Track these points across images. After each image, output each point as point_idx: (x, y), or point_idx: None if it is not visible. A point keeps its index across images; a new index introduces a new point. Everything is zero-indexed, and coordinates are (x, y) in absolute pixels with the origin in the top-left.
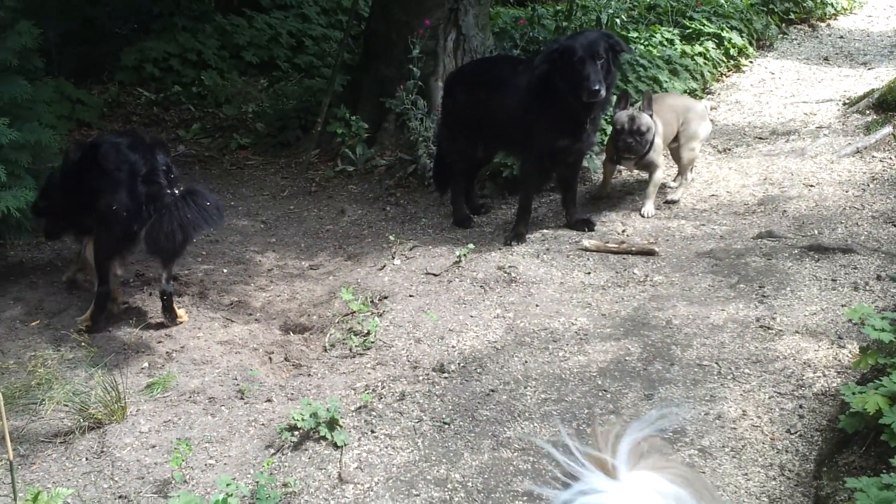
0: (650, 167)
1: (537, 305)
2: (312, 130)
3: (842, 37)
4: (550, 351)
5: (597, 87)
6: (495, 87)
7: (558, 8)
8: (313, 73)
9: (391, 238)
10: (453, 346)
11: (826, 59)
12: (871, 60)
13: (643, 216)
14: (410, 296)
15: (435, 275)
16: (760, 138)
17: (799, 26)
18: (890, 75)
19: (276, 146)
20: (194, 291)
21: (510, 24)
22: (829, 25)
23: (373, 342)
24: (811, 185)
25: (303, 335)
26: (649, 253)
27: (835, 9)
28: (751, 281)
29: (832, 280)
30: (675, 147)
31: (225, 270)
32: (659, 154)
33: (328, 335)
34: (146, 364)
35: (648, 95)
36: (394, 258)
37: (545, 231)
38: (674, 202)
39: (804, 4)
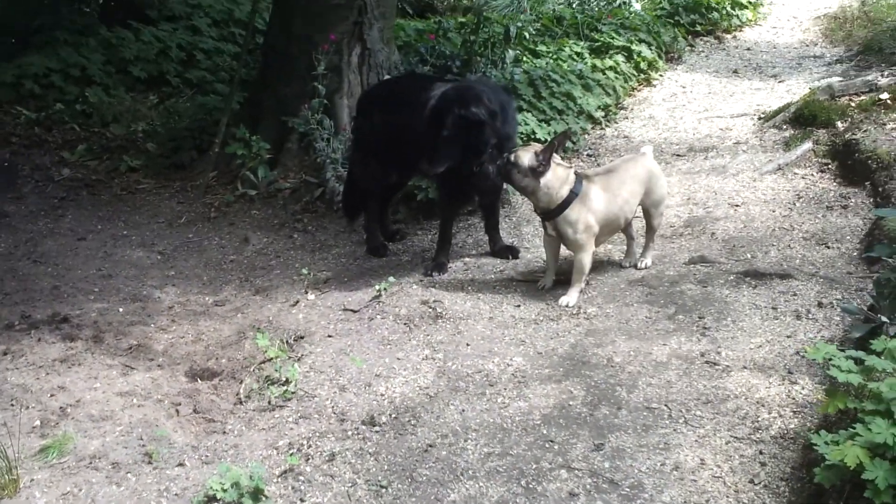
0: (566, 241)
1: (468, 344)
2: (210, 151)
3: (749, 49)
4: (488, 397)
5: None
6: (411, 107)
7: (463, 20)
8: (206, 88)
9: (304, 272)
10: (382, 394)
11: (735, 71)
12: (780, 73)
13: (561, 305)
14: (329, 336)
15: (354, 311)
16: (678, 155)
17: (705, 38)
18: (801, 88)
19: (169, 168)
20: (88, 335)
21: (414, 37)
22: (735, 37)
23: (293, 392)
24: (737, 205)
25: (212, 382)
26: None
27: (740, 20)
28: (689, 311)
29: (773, 308)
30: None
31: (121, 309)
32: (583, 231)
33: (243, 385)
34: (38, 422)
35: (565, 136)
36: (307, 292)
37: (468, 259)
38: (646, 267)
39: (710, 16)
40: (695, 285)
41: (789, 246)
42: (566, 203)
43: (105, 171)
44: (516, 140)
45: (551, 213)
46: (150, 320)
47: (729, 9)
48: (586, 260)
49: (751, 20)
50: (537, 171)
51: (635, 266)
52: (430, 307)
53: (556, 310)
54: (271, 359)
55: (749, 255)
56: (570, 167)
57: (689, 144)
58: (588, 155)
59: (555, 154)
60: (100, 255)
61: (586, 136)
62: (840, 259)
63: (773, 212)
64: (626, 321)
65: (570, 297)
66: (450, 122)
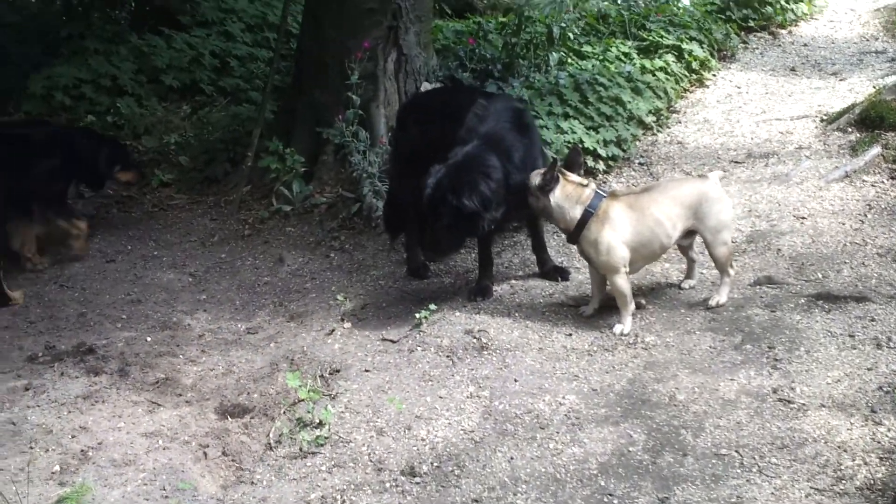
0: (593, 264)
1: (516, 380)
2: (243, 165)
3: (805, 45)
4: (539, 442)
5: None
6: (453, 119)
7: (504, 20)
8: (240, 97)
9: (339, 298)
10: (423, 439)
11: (793, 69)
12: (841, 70)
13: (615, 334)
14: (366, 370)
15: (393, 341)
16: (737, 162)
17: (759, 34)
18: (864, 87)
19: (202, 182)
20: (113, 368)
21: (452, 39)
22: (790, 32)
23: (326, 437)
24: (802, 217)
25: (242, 420)
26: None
27: (795, 15)
28: (757, 340)
29: (849, 336)
30: (685, 245)
31: (149, 339)
32: (607, 253)
33: (273, 428)
34: (57, 467)
35: (576, 153)
36: (343, 320)
37: (514, 282)
38: (718, 306)
39: (763, 11)
40: (762, 310)
41: (863, 264)
42: (582, 222)
43: (137, 187)
44: (543, 159)
45: (572, 236)
46: (179, 350)
47: (783, 2)
48: (620, 283)
49: (806, 14)
50: (545, 189)
51: (707, 305)
52: (475, 337)
53: (611, 339)
54: (303, 399)
55: (819, 275)
56: (586, 184)
57: (748, 150)
58: (640, 163)
59: (567, 171)
60: (129, 279)
61: (637, 142)
62: None
63: (843, 224)
64: (688, 352)
65: (624, 325)
66: (445, 212)
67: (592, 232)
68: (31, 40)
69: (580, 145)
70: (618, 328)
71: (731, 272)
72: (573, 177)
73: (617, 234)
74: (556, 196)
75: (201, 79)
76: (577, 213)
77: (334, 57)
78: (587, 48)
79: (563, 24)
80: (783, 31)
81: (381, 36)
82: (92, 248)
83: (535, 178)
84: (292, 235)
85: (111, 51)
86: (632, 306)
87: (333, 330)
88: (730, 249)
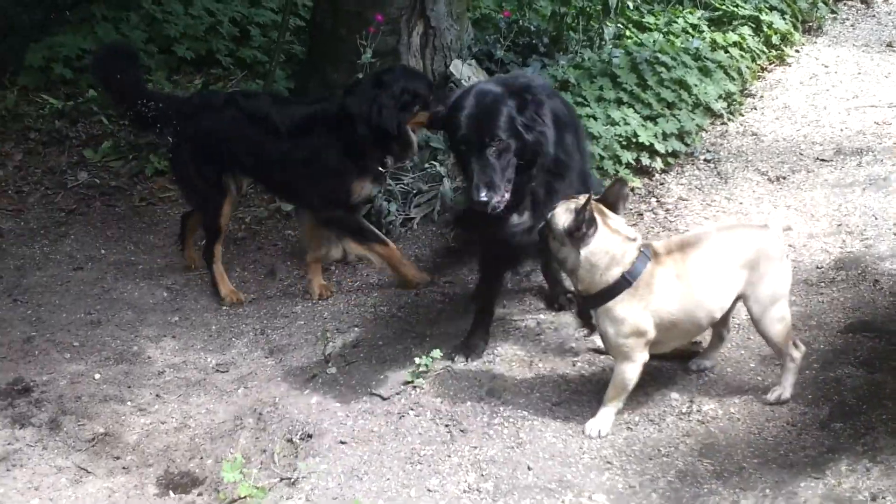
0: (605, 341)
1: (530, 467)
2: None
3: None
4: None
5: (482, 198)
6: None
7: None
8: (258, 69)
9: (327, 335)
10: None
11: (890, 45)
12: None
13: (587, 433)
14: (342, 442)
15: (383, 398)
16: (823, 160)
17: (850, 3)
18: None
19: None
20: (44, 418)
21: (494, 5)
22: (887, 1)
23: None
24: None
25: (188, 497)
26: (689, 355)
27: None
28: (852, 416)
29: None
30: (724, 317)
31: (98, 376)
32: (630, 335)
33: None
34: None
35: (621, 185)
36: (328, 362)
37: (541, 317)
38: (781, 402)
39: None
40: (857, 369)
41: None
42: (613, 290)
43: (128, 175)
44: (586, 169)
45: (591, 301)
46: (130, 394)
47: None
48: (630, 373)
49: None
50: (575, 237)
51: (765, 400)
52: (482, 399)
53: (656, 403)
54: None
55: None
56: (634, 238)
57: (837, 144)
58: (705, 160)
59: (608, 211)
60: (94, 293)
61: (704, 134)
62: None
63: None
64: (758, 430)
65: (600, 423)
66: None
67: (623, 307)
68: (33, 4)
69: (626, 181)
70: (590, 426)
71: (797, 354)
72: (618, 222)
73: (652, 313)
74: (591, 248)
75: (218, 49)
76: (611, 276)
77: (351, 31)
78: (649, 19)
79: None
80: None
81: (405, 6)
82: (61, 250)
83: (563, 216)
84: (291, 241)
85: (120, 18)
86: (621, 403)
87: (315, 376)
88: (787, 326)
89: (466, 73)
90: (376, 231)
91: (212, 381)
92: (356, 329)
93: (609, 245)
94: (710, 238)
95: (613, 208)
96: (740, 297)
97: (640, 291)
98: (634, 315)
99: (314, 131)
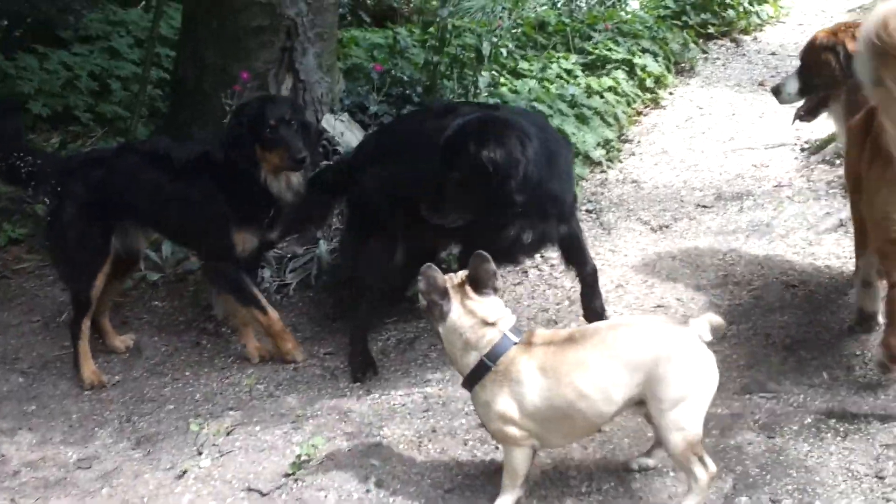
0: (485, 425)
1: None
2: None
3: (774, 53)
4: None
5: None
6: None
7: (431, 30)
8: (119, 125)
9: (194, 427)
10: None
11: (762, 84)
12: None
13: None
14: None
15: (262, 493)
16: (704, 206)
17: (721, 42)
18: None
19: None
20: None
21: (366, 56)
22: (755, 39)
23: None
24: (793, 286)
25: None
26: None
27: (760, 18)
28: (755, 487)
29: (877, 477)
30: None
31: None
32: (499, 420)
33: None
34: None
35: (481, 260)
36: (200, 454)
37: (427, 391)
38: None
39: (724, 15)
40: (757, 434)
41: None
42: (475, 375)
43: None
44: (571, 204)
45: (464, 383)
46: None
47: (746, 4)
48: (516, 460)
49: (772, 17)
50: (433, 312)
51: None
52: (370, 491)
53: (556, 484)
54: None
55: (826, 375)
56: (493, 322)
57: (717, 189)
58: (587, 210)
59: (474, 287)
60: None
61: (584, 183)
62: None
63: (846, 296)
64: None
65: None
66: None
67: (486, 392)
68: None
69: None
70: None
71: (702, 475)
72: (477, 303)
73: (516, 403)
74: (447, 327)
75: (76, 105)
76: (470, 360)
77: (215, 86)
78: (524, 65)
79: (495, 39)
80: (747, 38)
81: (272, 59)
82: None
83: (422, 280)
84: (158, 313)
85: None
86: (519, 491)
87: (186, 471)
88: (689, 439)
89: (339, 128)
90: (260, 296)
91: (73, 480)
92: (231, 413)
93: (461, 326)
94: (598, 335)
95: (479, 285)
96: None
97: (499, 377)
98: (497, 401)
99: (203, 172)
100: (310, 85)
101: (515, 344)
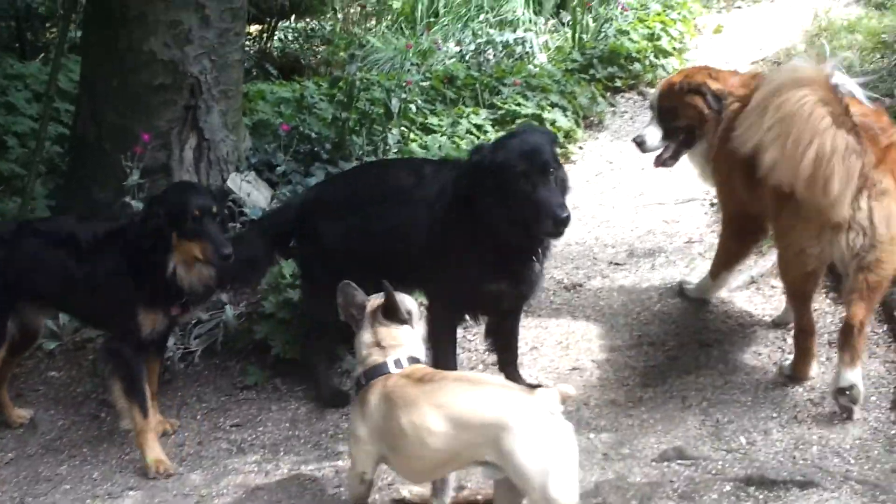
0: None
1: None
2: None
3: None
4: None
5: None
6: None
7: (341, 84)
8: (16, 184)
9: None
10: None
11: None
12: None
13: None
14: None
15: None
16: (617, 264)
17: (628, 95)
18: None
19: None
20: None
21: (272, 112)
22: None
23: None
24: (708, 345)
25: None
26: None
27: (666, 71)
28: None
29: None
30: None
31: None
32: (351, 437)
33: None
34: None
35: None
36: None
37: (339, 464)
38: None
39: (631, 68)
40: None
41: (796, 418)
42: (356, 388)
43: None
44: None
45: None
46: None
47: (653, 58)
48: (349, 480)
49: (678, 70)
50: (350, 321)
51: None
52: None
53: None
54: None
55: (743, 440)
56: (384, 346)
57: (629, 246)
58: None
59: (383, 318)
60: None
61: None
62: (875, 443)
63: (760, 356)
64: None
65: None
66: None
67: (352, 406)
68: None
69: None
70: None
71: None
72: (383, 326)
73: (364, 425)
74: (356, 337)
75: None
76: (357, 373)
77: (115, 145)
78: (433, 120)
79: (404, 95)
80: (654, 91)
81: (175, 118)
82: None
83: (340, 295)
84: (55, 384)
85: None
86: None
87: None
88: None
89: (246, 188)
90: (147, 395)
91: None
92: (131, 493)
93: (361, 342)
94: (442, 382)
95: (391, 314)
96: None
97: (360, 397)
98: (353, 417)
99: (110, 253)
100: (214, 144)
101: (390, 372)
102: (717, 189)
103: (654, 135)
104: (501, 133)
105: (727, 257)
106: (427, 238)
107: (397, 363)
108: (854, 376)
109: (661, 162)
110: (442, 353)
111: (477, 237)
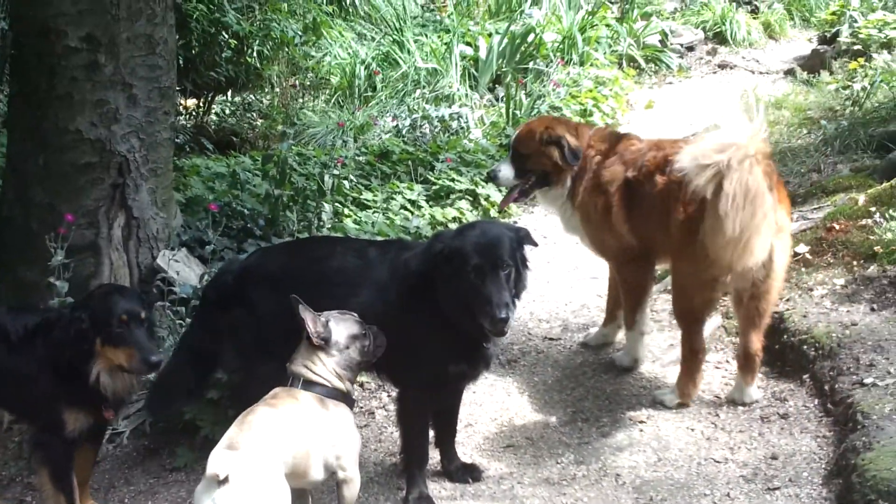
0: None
1: None
2: None
3: None
4: None
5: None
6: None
7: (274, 159)
8: None
9: None
10: None
11: None
12: None
13: None
14: None
15: None
16: (551, 339)
17: None
18: None
19: None
20: None
21: (205, 187)
22: None
23: None
24: (641, 422)
25: None
26: None
27: None
28: None
29: None
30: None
31: None
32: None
33: None
34: None
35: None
36: None
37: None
38: None
39: None
40: None
41: (728, 495)
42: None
43: None
44: None
45: None
46: None
47: None
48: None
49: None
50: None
51: None
52: None
53: None
54: None
55: None
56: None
57: (563, 321)
58: None
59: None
60: None
61: None
62: None
63: (692, 431)
64: None
65: None
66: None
67: None
68: None
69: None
70: None
71: None
72: (316, 352)
73: None
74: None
75: None
76: None
77: (42, 225)
78: (368, 195)
79: (337, 172)
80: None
81: (102, 196)
82: None
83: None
84: None
85: None
86: None
87: None
88: None
89: (176, 266)
90: (74, 487)
91: None
92: None
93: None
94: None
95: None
96: None
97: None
98: None
99: (36, 347)
100: (144, 221)
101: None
102: (591, 234)
103: (507, 171)
104: (436, 209)
105: (633, 296)
106: (384, 322)
107: (292, 382)
108: (756, 393)
109: (512, 199)
110: (416, 436)
111: (438, 320)
